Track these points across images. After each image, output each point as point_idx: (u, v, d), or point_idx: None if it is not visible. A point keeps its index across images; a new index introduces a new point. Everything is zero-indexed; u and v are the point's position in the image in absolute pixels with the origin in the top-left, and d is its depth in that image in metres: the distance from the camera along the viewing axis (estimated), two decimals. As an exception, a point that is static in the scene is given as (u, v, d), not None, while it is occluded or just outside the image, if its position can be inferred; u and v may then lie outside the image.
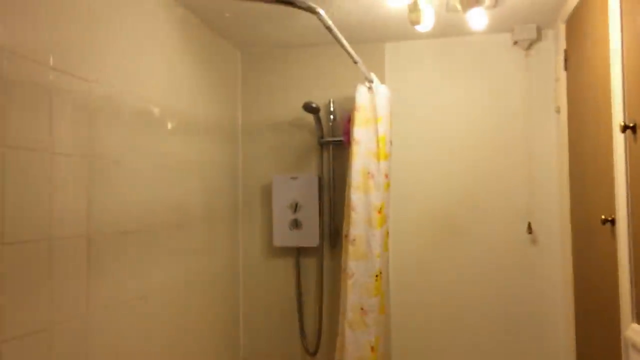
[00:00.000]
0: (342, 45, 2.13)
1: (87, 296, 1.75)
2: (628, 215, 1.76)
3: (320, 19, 1.88)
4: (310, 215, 2.97)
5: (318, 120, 2.95)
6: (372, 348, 2.51)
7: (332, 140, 3.00)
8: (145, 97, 2.15)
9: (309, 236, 2.97)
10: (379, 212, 2.53)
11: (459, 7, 2.28)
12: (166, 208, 2.29)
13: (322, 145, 3.03)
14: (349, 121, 2.74)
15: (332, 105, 3.01)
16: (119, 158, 1.95)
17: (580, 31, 2.36)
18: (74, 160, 1.71)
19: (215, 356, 2.75)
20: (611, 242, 1.92)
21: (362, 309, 2.53)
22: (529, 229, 2.79)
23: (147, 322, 2.11)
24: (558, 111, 2.73)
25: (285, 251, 3.06)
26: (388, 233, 2.69)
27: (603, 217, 1.95)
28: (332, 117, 3.02)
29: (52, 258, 1.61)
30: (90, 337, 1.76)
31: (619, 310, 1.84)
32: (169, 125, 2.34)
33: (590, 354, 2.32)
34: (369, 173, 2.53)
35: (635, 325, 1.71)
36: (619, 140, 1.80)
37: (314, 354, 2.98)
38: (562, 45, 2.60)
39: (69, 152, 1.69)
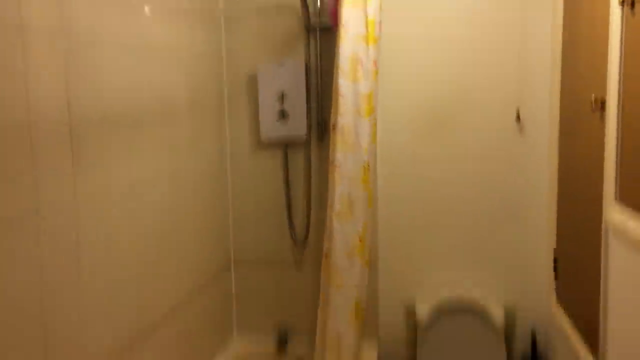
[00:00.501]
0: None
1: (73, 185, 1.73)
2: (619, 95, 1.73)
3: None
4: (297, 105, 2.91)
5: (304, 3, 2.81)
6: (360, 238, 2.56)
7: (319, 25, 2.88)
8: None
9: (297, 127, 2.94)
10: (368, 101, 2.48)
11: None
12: (149, 97, 2.22)
13: (309, 31, 2.91)
14: (336, 1, 2.61)
15: (320, -15, 2.86)
16: (95, 39, 1.86)
17: None
18: (47, 39, 1.62)
19: (205, 251, 2.80)
20: (600, 127, 1.91)
21: (349, 200, 2.55)
22: (518, 117, 2.77)
23: (135, 217, 2.11)
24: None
25: (273, 145, 3.04)
26: (376, 124, 2.66)
27: (593, 96, 1.92)
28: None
29: (33, 145, 1.56)
30: (80, 224, 1.76)
31: (601, 192, 1.86)
32: (146, 8, 2.21)
33: (571, 240, 2.39)
34: (357, 59, 2.45)
35: (616, 206, 1.73)
36: (615, 14, 1.73)
37: (303, 245, 3.05)
38: None
39: (41, 29, 1.59)
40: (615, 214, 1.74)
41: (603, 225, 1.85)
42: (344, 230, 2.57)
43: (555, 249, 2.60)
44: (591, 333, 2.03)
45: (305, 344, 3.05)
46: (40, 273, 1.59)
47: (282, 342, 3.09)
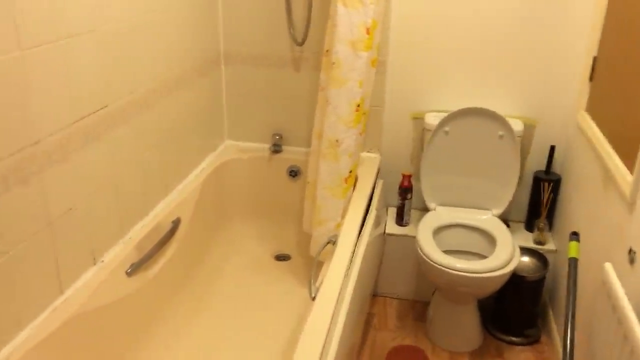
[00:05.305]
0: None
1: None
2: None
3: None
4: None
5: None
6: (368, 30, 2.20)
7: None
8: None
9: None
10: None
11: None
12: None
13: None
14: None
15: None
16: None
17: None
18: None
19: (187, 40, 2.42)
20: None
21: None
22: None
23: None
24: None
25: None
26: None
27: None
28: None
29: None
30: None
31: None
32: None
33: (619, 37, 1.99)
34: None
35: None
36: None
37: (302, 43, 2.67)
38: None
39: None
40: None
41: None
42: (350, 18, 2.19)
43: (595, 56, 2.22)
44: (628, 140, 1.75)
45: (301, 152, 2.82)
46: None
47: (277, 148, 2.87)
